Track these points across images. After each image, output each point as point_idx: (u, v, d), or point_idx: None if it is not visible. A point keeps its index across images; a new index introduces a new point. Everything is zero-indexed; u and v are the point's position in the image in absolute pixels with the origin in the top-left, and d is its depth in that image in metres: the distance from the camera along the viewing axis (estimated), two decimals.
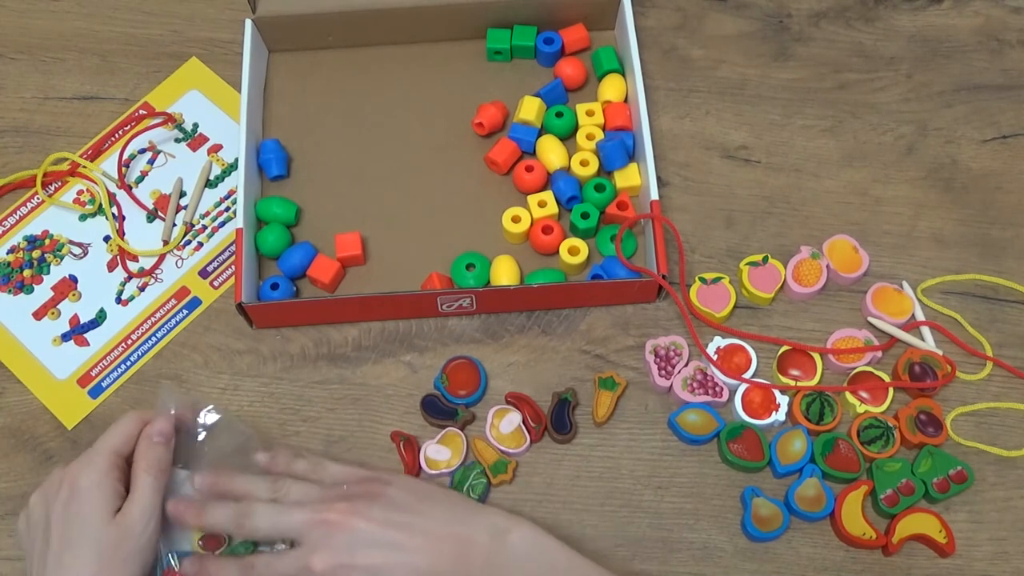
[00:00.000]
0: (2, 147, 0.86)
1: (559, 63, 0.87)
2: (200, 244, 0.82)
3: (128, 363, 0.78)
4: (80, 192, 0.84)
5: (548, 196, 0.80)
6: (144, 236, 0.83)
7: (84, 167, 0.85)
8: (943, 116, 0.86)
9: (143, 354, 0.78)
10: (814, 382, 0.75)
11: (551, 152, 0.82)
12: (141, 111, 0.87)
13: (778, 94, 0.87)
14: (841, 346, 0.76)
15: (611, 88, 0.85)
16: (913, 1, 0.91)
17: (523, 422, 0.74)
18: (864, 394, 0.75)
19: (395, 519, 0.62)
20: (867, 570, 0.71)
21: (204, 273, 0.81)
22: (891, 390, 0.75)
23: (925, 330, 0.77)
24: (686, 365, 0.75)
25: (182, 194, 0.84)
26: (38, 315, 0.80)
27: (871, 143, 0.85)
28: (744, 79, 0.88)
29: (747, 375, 0.75)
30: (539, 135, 0.83)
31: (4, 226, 0.83)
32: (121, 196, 0.84)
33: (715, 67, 0.88)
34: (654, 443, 0.74)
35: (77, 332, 0.79)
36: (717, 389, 0.74)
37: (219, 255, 0.82)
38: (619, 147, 0.81)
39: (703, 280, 0.78)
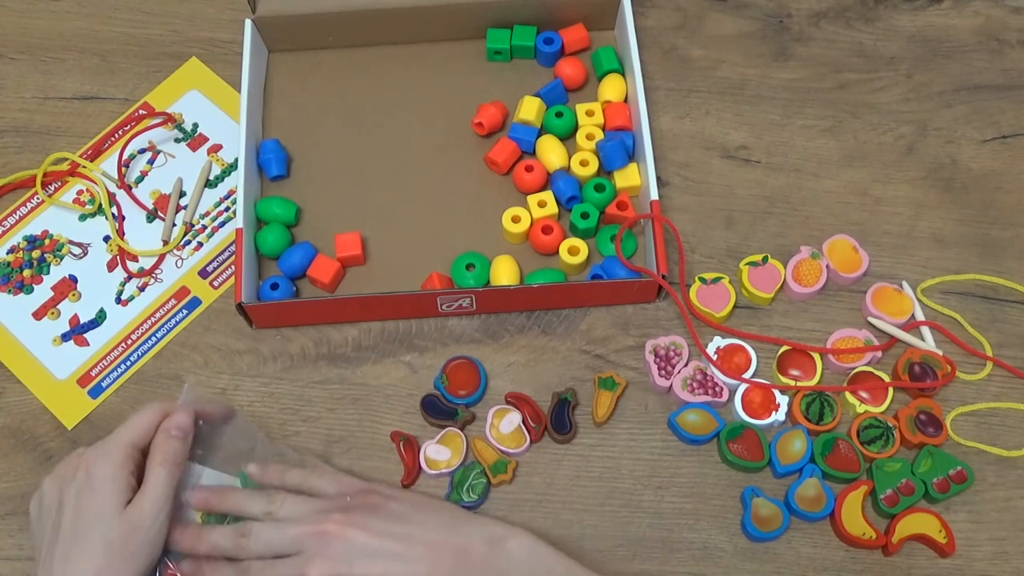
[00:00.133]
0: (2, 147, 0.86)
1: (559, 63, 0.87)
2: (200, 244, 0.82)
3: (128, 363, 0.78)
4: (80, 192, 0.84)
5: (548, 196, 0.80)
6: (144, 236, 0.83)
7: (84, 167, 0.85)
8: (943, 116, 0.86)
9: (143, 354, 0.78)
10: (814, 382, 0.75)
11: (551, 152, 0.82)
12: (141, 111, 0.88)
13: (778, 94, 0.87)
14: (841, 346, 0.76)
15: (611, 88, 0.85)
16: (913, 1, 0.91)
17: (523, 422, 0.74)
18: (864, 394, 0.75)
19: (393, 530, 0.62)
20: (867, 570, 0.71)
21: (204, 273, 0.81)
22: (891, 390, 0.75)
23: (925, 330, 0.77)
24: (686, 365, 0.75)
25: (182, 194, 0.84)
26: (38, 315, 0.80)
27: (871, 143, 0.85)
28: (744, 79, 0.88)
29: (747, 375, 0.75)
30: (539, 135, 0.83)
31: (4, 226, 0.83)
32: (121, 196, 0.84)
33: (715, 67, 0.88)
34: (654, 443, 0.74)
35: (77, 332, 0.79)
36: (717, 389, 0.74)
37: (219, 255, 0.82)
38: (619, 147, 0.81)
39: (703, 280, 0.78)
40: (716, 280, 0.78)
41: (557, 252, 0.79)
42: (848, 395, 0.74)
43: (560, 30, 0.87)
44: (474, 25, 0.87)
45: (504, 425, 0.74)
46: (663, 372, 0.75)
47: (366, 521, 0.62)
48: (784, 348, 0.76)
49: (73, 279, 0.81)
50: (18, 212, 0.84)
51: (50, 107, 0.88)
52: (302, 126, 0.86)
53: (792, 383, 0.75)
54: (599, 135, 0.83)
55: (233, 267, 0.81)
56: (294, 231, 0.81)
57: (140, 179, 0.85)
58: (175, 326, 0.79)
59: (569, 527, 0.72)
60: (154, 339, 0.79)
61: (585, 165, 0.82)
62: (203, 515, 0.67)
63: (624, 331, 0.78)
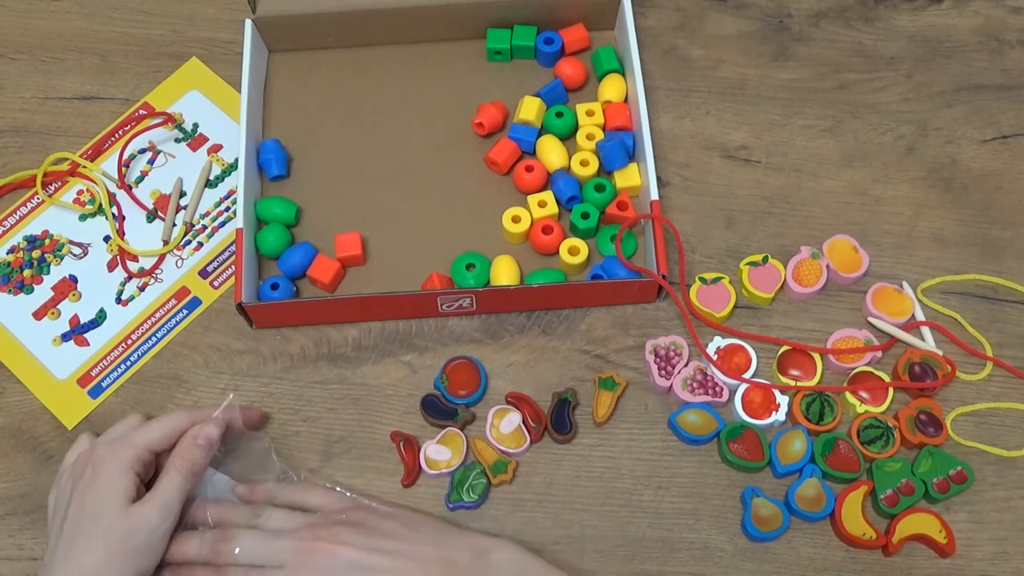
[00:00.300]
0: (2, 147, 0.86)
1: (559, 63, 0.87)
2: (200, 244, 0.82)
3: (128, 363, 0.78)
4: (80, 192, 0.84)
5: (548, 196, 0.80)
6: (144, 236, 0.83)
7: (84, 167, 0.85)
8: (943, 116, 0.86)
9: (143, 354, 0.78)
10: (814, 382, 0.75)
11: (551, 152, 0.82)
12: (141, 111, 0.87)
13: (778, 94, 0.87)
14: (841, 346, 0.76)
15: (611, 88, 0.85)
16: (913, 1, 0.91)
17: (523, 422, 0.74)
18: (864, 394, 0.75)
19: (379, 545, 0.62)
20: (867, 570, 0.71)
21: (204, 273, 0.81)
22: (891, 390, 0.75)
23: (925, 330, 0.77)
24: (686, 365, 0.75)
25: (182, 194, 0.84)
26: (38, 315, 0.80)
27: (871, 143, 0.85)
28: (744, 79, 0.88)
29: (747, 375, 0.75)
30: (539, 135, 0.83)
31: (4, 226, 0.83)
32: (121, 196, 0.84)
33: (715, 67, 0.88)
34: (654, 443, 0.74)
35: (77, 332, 0.79)
36: (717, 389, 0.74)
37: (219, 255, 0.82)
38: (619, 147, 0.81)
39: (703, 280, 0.78)
40: (716, 280, 0.78)
41: (557, 252, 0.79)
42: (848, 395, 0.74)
43: (560, 30, 0.87)
44: (474, 25, 0.87)
45: (504, 425, 0.74)
46: (663, 372, 0.75)
47: (352, 537, 0.62)
48: (784, 348, 0.76)
49: (73, 279, 0.81)
50: (18, 212, 0.84)
51: (50, 107, 0.88)
52: (302, 126, 0.86)
53: (792, 383, 0.75)
54: (599, 135, 0.83)
55: (233, 267, 0.81)
56: (294, 231, 0.81)
57: (140, 179, 0.85)
58: (175, 326, 0.79)
59: (569, 527, 0.72)
60: (154, 339, 0.79)
61: (585, 165, 0.82)
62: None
63: (624, 331, 0.78)
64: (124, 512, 0.62)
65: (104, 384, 0.77)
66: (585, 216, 0.79)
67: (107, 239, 0.83)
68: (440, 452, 0.73)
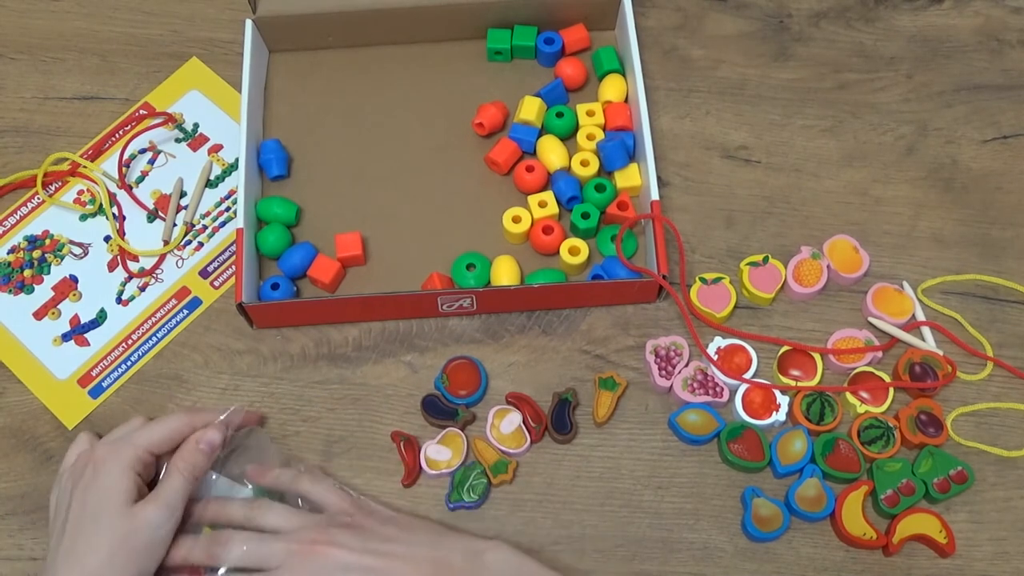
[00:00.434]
0: (2, 147, 0.86)
1: (559, 63, 0.87)
2: (200, 244, 0.82)
3: (128, 363, 0.78)
4: (80, 192, 0.84)
5: (548, 196, 0.80)
6: (144, 236, 0.83)
7: (84, 167, 0.85)
8: (943, 116, 0.86)
9: (143, 354, 0.78)
10: (814, 382, 0.75)
11: (551, 152, 0.82)
12: (141, 111, 0.87)
13: (778, 94, 0.87)
14: (841, 346, 0.76)
15: (611, 88, 0.85)
16: (913, 1, 0.91)
17: (523, 422, 0.74)
18: (864, 394, 0.75)
19: (372, 547, 0.62)
20: (867, 570, 0.71)
21: (204, 273, 0.81)
22: (891, 390, 0.75)
23: (925, 330, 0.77)
24: (686, 365, 0.75)
25: (182, 194, 0.84)
26: (38, 315, 0.80)
27: (871, 143, 0.85)
28: (744, 79, 0.88)
29: (747, 375, 0.75)
30: (539, 135, 0.83)
31: (4, 226, 0.83)
32: (121, 196, 0.84)
33: (715, 67, 0.88)
34: (654, 443, 0.74)
35: (77, 332, 0.79)
36: (717, 389, 0.75)
37: (219, 255, 0.82)
38: (619, 147, 0.81)
39: (703, 280, 0.78)
40: (716, 280, 0.78)
41: (558, 252, 0.79)
42: (849, 395, 0.74)
43: (560, 30, 0.87)
44: (474, 25, 0.87)
45: (504, 425, 0.74)
46: (663, 372, 0.75)
47: (347, 539, 0.62)
48: (785, 348, 0.76)
49: (74, 279, 0.81)
50: (19, 212, 0.84)
51: (50, 107, 0.88)
52: (302, 126, 0.86)
53: (793, 383, 0.75)
54: (600, 135, 0.83)
55: (234, 267, 0.81)
56: (294, 231, 0.81)
57: (141, 179, 0.85)
58: (176, 326, 0.79)
59: (569, 527, 0.72)
60: (155, 339, 0.79)
61: (586, 165, 0.82)
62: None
63: (624, 331, 0.78)
64: (127, 511, 0.62)
65: (104, 384, 0.77)
66: (585, 216, 0.79)
67: (107, 239, 0.83)
68: (440, 452, 0.73)
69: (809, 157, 0.85)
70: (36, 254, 0.82)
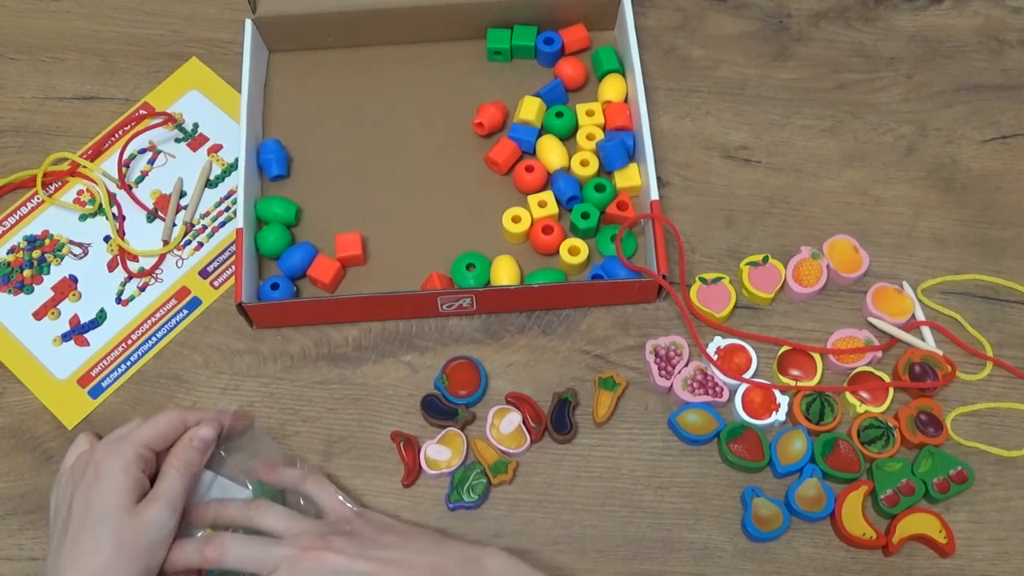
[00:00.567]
0: (2, 147, 0.86)
1: (559, 63, 0.87)
2: (200, 244, 0.82)
3: (128, 363, 0.78)
4: (80, 192, 0.84)
5: (548, 196, 0.80)
6: (144, 236, 0.83)
7: (84, 167, 0.85)
8: (943, 116, 0.86)
9: (143, 354, 0.78)
10: (814, 382, 0.75)
11: (551, 152, 0.82)
12: (141, 111, 0.87)
13: (778, 94, 0.87)
14: (841, 346, 0.76)
15: (611, 88, 0.85)
16: (913, 1, 0.91)
17: (523, 422, 0.74)
18: (864, 394, 0.75)
19: (368, 553, 0.62)
20: (867, 570, 0.71)
21: (204, 273, 0.81)
22: (891, 390, 0.75)
23: (925, 330, 0.77)
24: (686, 365, 0.75)
25: (182, 194, 0.84)
26: (38, 315, 0.80)
27: (871, 143, 0.85)
28: (744, 79, 0.88)
29: (747, 375, 0.75)
30: (539, 135, 0.83)
31: (4, 226, 0.83)
32: (121, 196, 0.84)
33: (715, 67, 0.88)
34: (654, 443, 0.74)
35: (77, 332, 0.79)
36: (717, 389, 0.74)
37: (219, 255, 0.82)
38: (619, 147, 0.81)
39: (703, 280, 0.78)
40: (716, 280, 0.78)
41: (557, 252, 0.79)
42: (848, 395, 0.74)
43: (560, 30, 0.87)
44: (474, 25, 0.87)
45: (504, 425, 0.74)
46: (663, 372, 0.75)
47: (343, 545, 0.62)
48: (784, 348, 0.76)
49: (73, 279, 0.81)
50: (18, 212, 0.84)
51: (50, 107, 0.88)
52: (302, 126, 0.86)
53: (792, 383, 0.75)
54: (599, 135, 0.83)
55: (233, 267, 0.81)
56: (294, 231, 0.81)
57: (140, 179, 0.85)
58: (175, 326, 0.79)
59: (569, 527, 0.72)
60: (154, 339, 0.79)
61: (585, 165, 0.82)
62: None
63: (624, 331, 0.78)
64: (131, 511, 0.62)
65: (104, 384, 0.77)
66: (585, 216, 0.79)
67: (107, 239, 0.83)
68: (440, 452, 0.73)
69: (809, 157, 0.85)
70: (36, 254, 0.82)
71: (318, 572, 0.61)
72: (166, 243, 0.82)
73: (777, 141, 0.85)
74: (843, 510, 0.70)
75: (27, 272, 0.81)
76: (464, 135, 0.85)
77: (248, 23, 0.84)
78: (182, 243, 0.82)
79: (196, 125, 0.87)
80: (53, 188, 0.85)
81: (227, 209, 0.84)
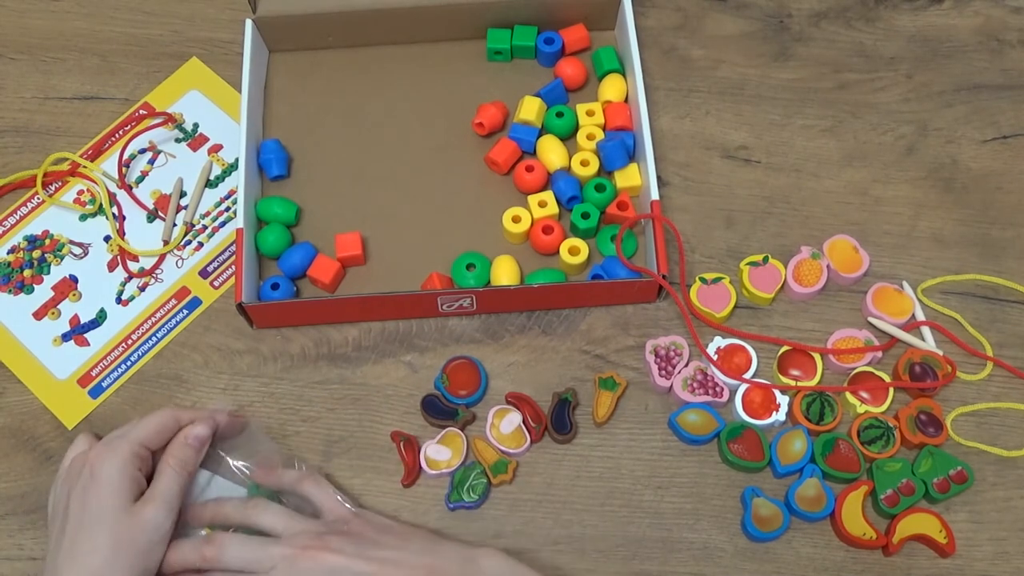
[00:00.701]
0: (2, 147, 0.86)
1: (559, 63, 0.87)
2: (200, 244, 0.82)
3: (128, 363, 0.78)
4: (80, 192, 0.84)
5: (548, 196, 0.80)
6: (144, 236, 0.83)
7: (84, 167, 0.85)
8: (943, 116, 0.86)
9: (143, 354, 0.78)
10: (814, 382, 0.75)
11: (551, 152, 0.82)
12: (141, 111, 0.88)
13: (778, 94, 0.87)
14: (841, 346, 0.76)
15: (611, 88, 0.85)
16: (913, 1, 0.91)
17: (523, 422, 0.74)
18: (864, 394, 0.75)
19: (365, 553, 0.62)
20: (867, 570, 0.71)
21: (204, 273, 0.81)
22: (891, 390, 0.75)
23: (925, 330, 0.77)
24: (686, 365, 0.75)
25: (182, 194, 0.84)
26: (38, 315, 0.80)
27: (871, 143, 0.85)
28: (744, 79, 0.88)
29: (747, 375, 0.75)
30: (539, 135, 0.83)
31: (4, 226, 0.83)
32: (121, 196, 0.84)
33: (715, 67, 0.88)
34: (654, 443, 0.74)
35: (77, 332, 0.79)
36: (717, 389, 0.75)
37: (219, 255, 0.82)
38: (619, 147, 0.81)
39: (703, 280, 0.78)
40: (716, 280, 0.78)
41: (557, 252, 0.79)
42: (848, 395, 0.74)
43: (560, 30, 0.87)
44: (474, 25, 0.87)
45: (504, 425, 0.74)
46: (663, 372, 0.75)
47: (341, 544, 0.63)
48: (784, 348, 0.76)
49: (73, 279, 0.81)
50: (18, 212, 0.84)
51: (50, 107, 0.88)
52: (302, 126, 0.86)
53: (792, 383, 0.75)
54: (599, 135, 0.83)
55: (233, 267, 0.81)
56: (294, 231, 0.81)
57: (141, 179, 0.85)
58: (175, 326, 0.79)
59: (569, 527, 0.72)
60: (154, 339, 0.79)
61: (585, 165, 0.82)
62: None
63: (624, 331, 0.78)
64: (128, 511, 0.62)
65: (104, 384, 0.77)
66: (585, 216, 0.79)
67: (107, 239, 0.83)
68: (440, 452, 0.73)
69: (809, 157, 0.85)
70: (36, 254, 0.82)
71: (316, 571, 0.61)
72: (166, 243, 0.82)
73: (777, 141, 0.85)
74: (843, 510, 0.70)
75: (27, 272, 0.81)
76: (464, 135, 0.85)
77: (248, 23, 0.84)
78: (182, 243, 0.82)
79: (196, 125, 0.87)
80: (53, 188, 0.85)
81: (227, 209, 0.84)
